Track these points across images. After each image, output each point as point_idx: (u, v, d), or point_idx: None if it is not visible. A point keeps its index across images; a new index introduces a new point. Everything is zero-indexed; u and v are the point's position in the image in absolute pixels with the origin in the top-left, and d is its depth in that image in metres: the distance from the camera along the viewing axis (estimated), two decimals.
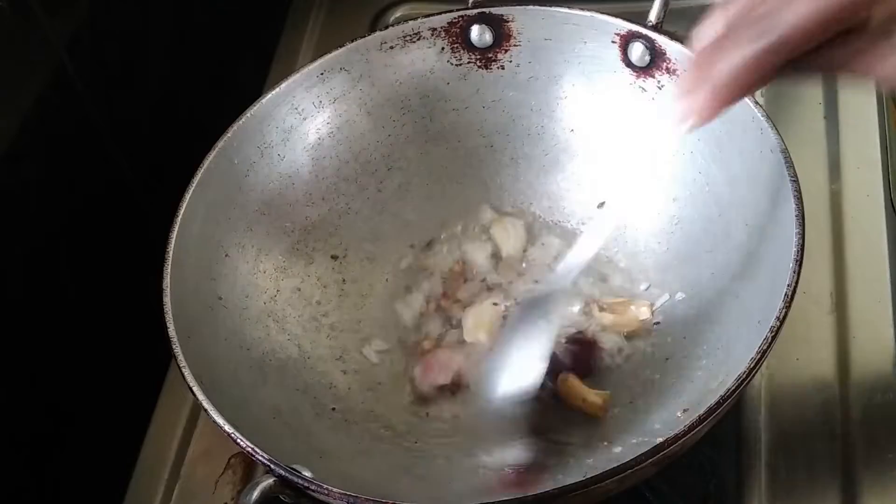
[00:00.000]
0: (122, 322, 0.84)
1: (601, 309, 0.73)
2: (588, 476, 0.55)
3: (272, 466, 0.57)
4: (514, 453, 0.67)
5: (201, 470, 0.75)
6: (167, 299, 0.64)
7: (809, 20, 0.47)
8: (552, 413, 0.69)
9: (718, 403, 0.56)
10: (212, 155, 0.71)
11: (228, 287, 0.71)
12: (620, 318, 0.72)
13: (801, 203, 0.62)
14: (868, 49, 0.48)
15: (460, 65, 0.78)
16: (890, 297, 0.74)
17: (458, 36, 0.77)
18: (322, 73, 0.75)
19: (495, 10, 0.76)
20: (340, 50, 0.76)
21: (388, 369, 0.74)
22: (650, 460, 0.55)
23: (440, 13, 0.76)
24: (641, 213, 0.75)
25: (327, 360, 0.73)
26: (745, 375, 0.57)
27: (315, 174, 0.77)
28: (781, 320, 0.58)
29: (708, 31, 0.51)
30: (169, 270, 0.65)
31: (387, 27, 0.77)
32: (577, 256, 0.64)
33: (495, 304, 0.74)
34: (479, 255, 0.78)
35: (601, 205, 0.77)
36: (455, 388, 0.72)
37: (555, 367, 0.68)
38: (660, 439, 0.55)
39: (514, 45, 0.76)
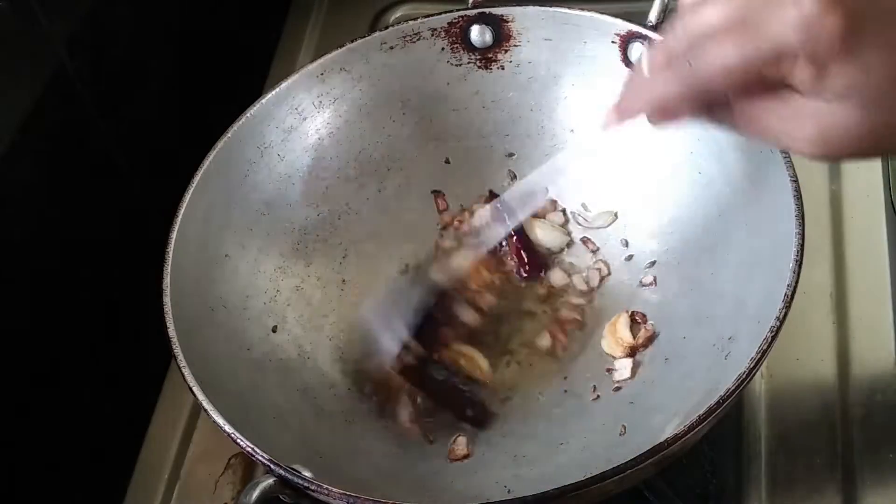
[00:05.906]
0: (122, 322, 0.84)
1: None
2: (588, 476, 0.55)
3: (272, 466, 0.57)
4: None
5: (201, 470, 0.75)
6: (167, 299, 0.64)
7: (733, 63, 0.47)
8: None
9: (718, 403, 0.56)
10: (212, 155, 0.71)
11: (228, 287, 0.71)
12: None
13: (801, 203, 0.62)
14: (786, 109, 0.48)
15: (460, 65, 0.78)
16: (890, 297, 0.74)
17: (458, 36, 0.77)
18: (322, 74, 0.75)
19: (495, 10, 0.76)
20: (340, 50, 0.76)
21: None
22: (650, 460, 0.55)
23: (440, 13, 0.76)
24: (641, 213, 0.75)
25: (327, 360, 0.73)
26: (745, 375, 0.57)
27: (315, 174, 0.77)
28: (781, 320, 0.58)
29: (652, 56, 0.52)
30: (169, 270, 0.66)
31: (387, 27, 0.77)
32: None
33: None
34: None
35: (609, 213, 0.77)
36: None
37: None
38: (660, 439, 0.55)
39: (514, 45, 0.76)
